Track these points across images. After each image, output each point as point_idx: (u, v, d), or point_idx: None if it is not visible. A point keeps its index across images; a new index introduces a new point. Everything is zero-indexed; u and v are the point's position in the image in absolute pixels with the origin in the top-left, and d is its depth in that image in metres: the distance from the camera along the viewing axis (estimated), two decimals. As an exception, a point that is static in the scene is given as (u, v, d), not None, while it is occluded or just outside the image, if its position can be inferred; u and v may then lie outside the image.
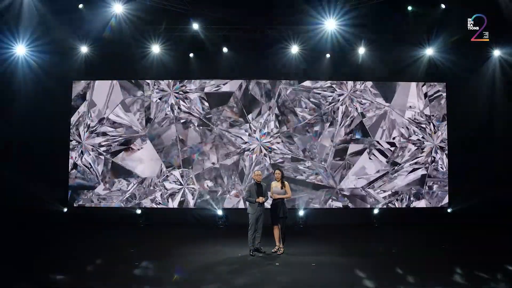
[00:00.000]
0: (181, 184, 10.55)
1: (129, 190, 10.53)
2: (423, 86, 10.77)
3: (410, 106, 10.74)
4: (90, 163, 10.56)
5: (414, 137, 10.70)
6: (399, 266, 6.34)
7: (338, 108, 10.71)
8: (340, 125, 10.68)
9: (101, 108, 10.65)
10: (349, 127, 10.68)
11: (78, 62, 10.41)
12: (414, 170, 10.65)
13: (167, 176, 10.54)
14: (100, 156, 10.58)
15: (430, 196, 10.63)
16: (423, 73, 10.59)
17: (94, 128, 10.62)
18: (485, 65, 10.43)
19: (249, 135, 10.63)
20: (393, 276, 5.81)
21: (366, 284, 5.50)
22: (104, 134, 10.62)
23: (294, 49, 10.38)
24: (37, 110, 10.15)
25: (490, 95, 10.51)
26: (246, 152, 10.61)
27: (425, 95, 10.79)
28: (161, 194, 10.52)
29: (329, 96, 10.72)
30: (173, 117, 10.65)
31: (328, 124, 10.67)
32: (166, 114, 10.66)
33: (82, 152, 10.57)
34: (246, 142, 10.60)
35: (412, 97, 10.78)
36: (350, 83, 10.75)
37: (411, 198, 10.62)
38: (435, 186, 10.65)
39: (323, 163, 10.61)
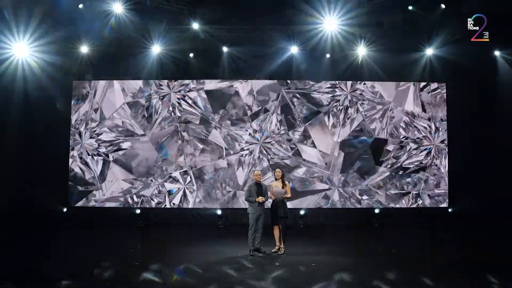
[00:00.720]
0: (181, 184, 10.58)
1: (129, 190, 10.53)
2: (423, 86, 10.77)
3: (410, 106, 10.73)
4: (90, 163, 10.56)
5: (414, 137, 10.69)
6: (399, 266, 6.33)
7: (339, 109, 10.70)
8: (341, 125, 10.67)
9: (102, 108, 10.65)
10: (350, 127, 10.68)
11: (78, 62, 10.41)
12: (414, 170, 10.65)
13: (168, 176, 10.54)
14: (100, 157, 10.57)
15: (430, 196, 10.63)
16: (423, 73, 10.58)
17: (94, 129, 10.62)
18: (485, 65, 10.43)
19: (250, 134, 10.62)
20: (393, 276, 5.81)
21: (366, 284, 5.49)
22: (105, 134, 10.61)
23: (294, 49, 10.39)
24: (37, 110, 10.14)
25: (490, 95, 10.50)
26: (245, 152, 10.61)
27: (425, 95, 10.79)
28: (159, 191, 10.52)
29: (329, 97, 10.72)
30: (174, 117, 10.65)
31: (329, 124, 10.66)
32: (166, 114, 10.66)
33: (82, 152, 10.57)
34: (246, 142, 10.61)
35: (412, 97, 10.77)
36: (350, 83, 10.75)
37: (411, 198, 10.61)
38: (435, 186, 10.64)
39: (324, 163, 10.61)
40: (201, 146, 10.58)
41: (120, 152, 10.58)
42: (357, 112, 10.69)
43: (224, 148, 10.58)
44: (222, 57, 10.53)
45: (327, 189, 10.58)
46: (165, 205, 10.52)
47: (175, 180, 10.54)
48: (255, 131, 10.63)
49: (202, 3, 9.58)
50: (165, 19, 9.86)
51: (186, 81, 10.71)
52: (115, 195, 10.51)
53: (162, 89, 10.71)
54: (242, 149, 10.60)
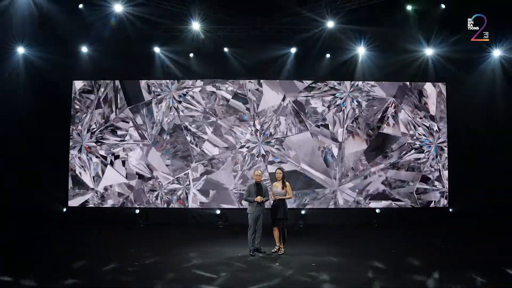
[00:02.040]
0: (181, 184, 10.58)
1: (129, 191, 10.54)
2: (423, 86, 10.78)
3: (410, 106, 10.74)
4: (89, 164, 10.56)
5: (414, 137, 10.69)
6: (399, 266, 6.34)
7: (340, 109, 10.70)
8: (344, 125, 10.67)
9: (102, 109, 10.65)
10: (350, 126, 10.68)
11: (78, 62, 10.42)
12: (414, 170, 10.65)
13: (170, 178, 10.56)
14: (100, 158, 10.57)
15: (429, 196, 10.62)
16: (423, 73, 10.59)
17: (95, 129, 10.62)
18: (485, 65, 10.43)
19: (252, 133, 10.61)
20: (393, 276, 5.81)
21: (366, 284, 5.49)
22: (104, 135, 10.62)
23: (294, 49, 10.39)
24: (37, 110, 10.13)
25: (490, 95, 10.50)
26: (243, 149, 10.59)
27: (425, 95, 10.79)
28: (159, 192, 10.54)
29: (330, 97, 10.71)
30: (174, 118, 10.65)
31: (331, 124, 10.66)
32: (167, 114, 10.66)
33: (81, 152, 10.57)
34: (247, 141, 10.61)
35: (412, 97, 10.78)
36: (350, 83, 10.74)
37: (411, 198, 10.60)
38: (434, 186, 10.64)
39: (325, 165, 10.61)
40: (200, 145, 10.60)
41: (120, 153, 10.58)
42: (357, 112, 10.69)
43: (210, 160, 10.56)
44: (222, 57, 10.53)
45: (327, 189, 10.58)
46: (165, 205, 10.53)
47: (176, 181, 10.54)
48: (257, 130, 10.62)
49: (202, 3, 9.58)
50: (165, 19, 9.88)
51: (186, 81, 10.71)
52: (114, 195, 10.51)
53: (162, 89, 10.70)
54: (242, 146, 10.58)
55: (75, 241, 8.34)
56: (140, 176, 10.54)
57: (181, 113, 10.64)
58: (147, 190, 10.51)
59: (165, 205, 10.52)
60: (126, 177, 10.54)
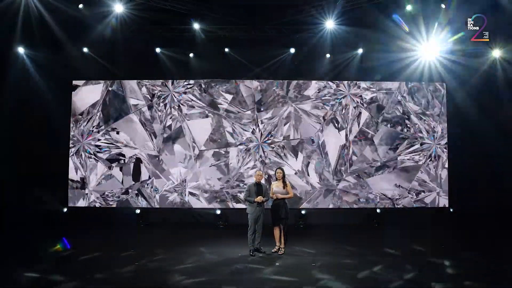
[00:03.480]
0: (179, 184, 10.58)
1: (129, 191, 10.54)
2: (422, 86, 10.78)
3: (409, 106, 10.75)
4: (89, 164, 10.55)
5: (414, 137, 10.69)
6: (399, 266, 6.34)
7: (341, 110, 10.70)
8: (343, 125, 10.68)
9: (102, 109, 10.65)
10: (351, 126, 10.68)
11: (78, 62, 10.41)
12: (414, 170, 10.65)
13: (170, 177, 10.56)
14: (98, 159, 10.58)
15: (429, 196, 10.63)
16: (422, 73, 10.58)
17: (95, 130, 10.61)
18: (485, 65, 10.42)
19: (253, 132, 10.61)
20: (393, 276, 5.81)
21: (366, 284, 5.49)
22: (105, 136, 10.62)
23: (294, 49, 10.39)
24: (37, 110, 10.13)
25: (490, 95, 10.49)
26: (240, 147, 10.58)
27: (425, 95, 10.79)
28: (158, 194, 10.54)
29: (330, 97, 10.72)
30: (175, 117, 10.65)
31: (331, 124, 10.66)
32: (166, 114, 10.66)
33: (82, 153, 10.56)
34: (247, 140, 10.61)
35: (412, 97, 10.79)
36: (351, 83, 10.74)
37: (411, 198, 10.61)
38: (434, 186, 10.64)
39: (325, 166, 10.63)
40: (200, 145, 10.60)
41: (120, 153, 10.58)
42: (358, 112, 10.69)
43: (210, 159, 10.58)
44: (222, 57, 10.53)
45: (327, 189, 10.59)
46: (165, 206, 10.53)
47: (176, 181, 10.55)
48: (259, 130, 10.61)
49: (202, 3, 9.58)
50: (165, 19, 9.88)
51: (186, 81, 10.71)
52: (114, 195, 10.51)
53: (162, 89, 10.70)
54: (241, 144, 10.58)
55: (75, 242, 8.33)
56: (140, 176, 10.55)
57: (181, 113, 10.64)
58: (147, 190, 10.52)
59: (165, 206, 10.51)
60: (126, 177, 10.54)
